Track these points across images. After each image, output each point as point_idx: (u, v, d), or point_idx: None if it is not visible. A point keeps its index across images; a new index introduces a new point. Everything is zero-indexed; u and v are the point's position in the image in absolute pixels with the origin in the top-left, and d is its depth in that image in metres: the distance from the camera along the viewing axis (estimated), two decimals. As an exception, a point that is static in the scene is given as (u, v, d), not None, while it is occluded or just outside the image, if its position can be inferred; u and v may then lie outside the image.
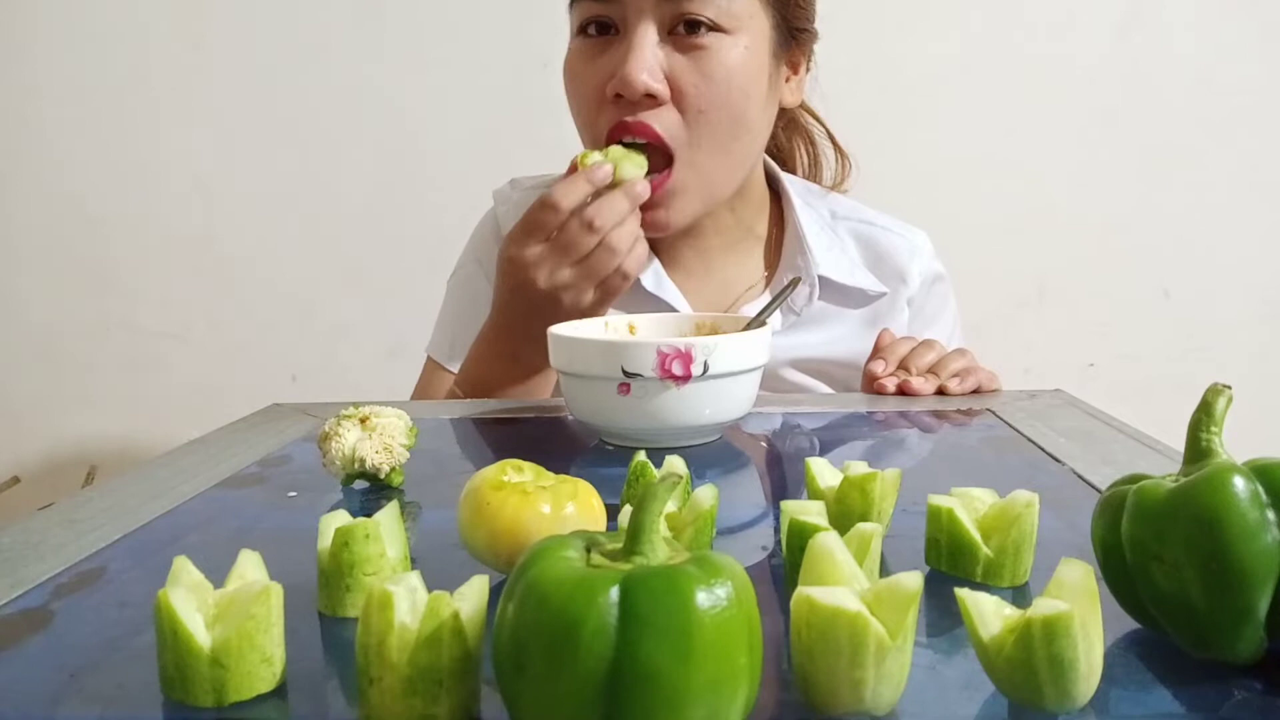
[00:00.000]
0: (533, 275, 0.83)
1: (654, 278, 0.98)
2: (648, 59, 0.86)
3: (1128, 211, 1.58)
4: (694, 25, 0.86)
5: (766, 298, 0.99)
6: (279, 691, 0.34)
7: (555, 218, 0.81)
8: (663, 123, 0.87)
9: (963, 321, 1.10)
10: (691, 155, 0.89)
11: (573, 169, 0.84)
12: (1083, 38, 1.54)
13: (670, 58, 0.87)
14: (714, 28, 0.87)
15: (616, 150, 0.85)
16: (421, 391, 1.05)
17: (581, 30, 0.91)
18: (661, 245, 1.00)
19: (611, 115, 0.88)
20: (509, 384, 0.89)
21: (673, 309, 0.97)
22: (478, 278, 1.03)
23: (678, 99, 0.87)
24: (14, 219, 1.65)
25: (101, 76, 1.61)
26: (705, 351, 0.64)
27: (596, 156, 0.84)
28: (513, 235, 0.84)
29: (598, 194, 0.82)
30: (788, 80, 0.96)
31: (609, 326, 0.77)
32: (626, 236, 0.83)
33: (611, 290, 0.84)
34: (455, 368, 0.98)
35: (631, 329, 0.78)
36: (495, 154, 1.35)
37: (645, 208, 0.87)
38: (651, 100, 0.87)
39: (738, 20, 0.88)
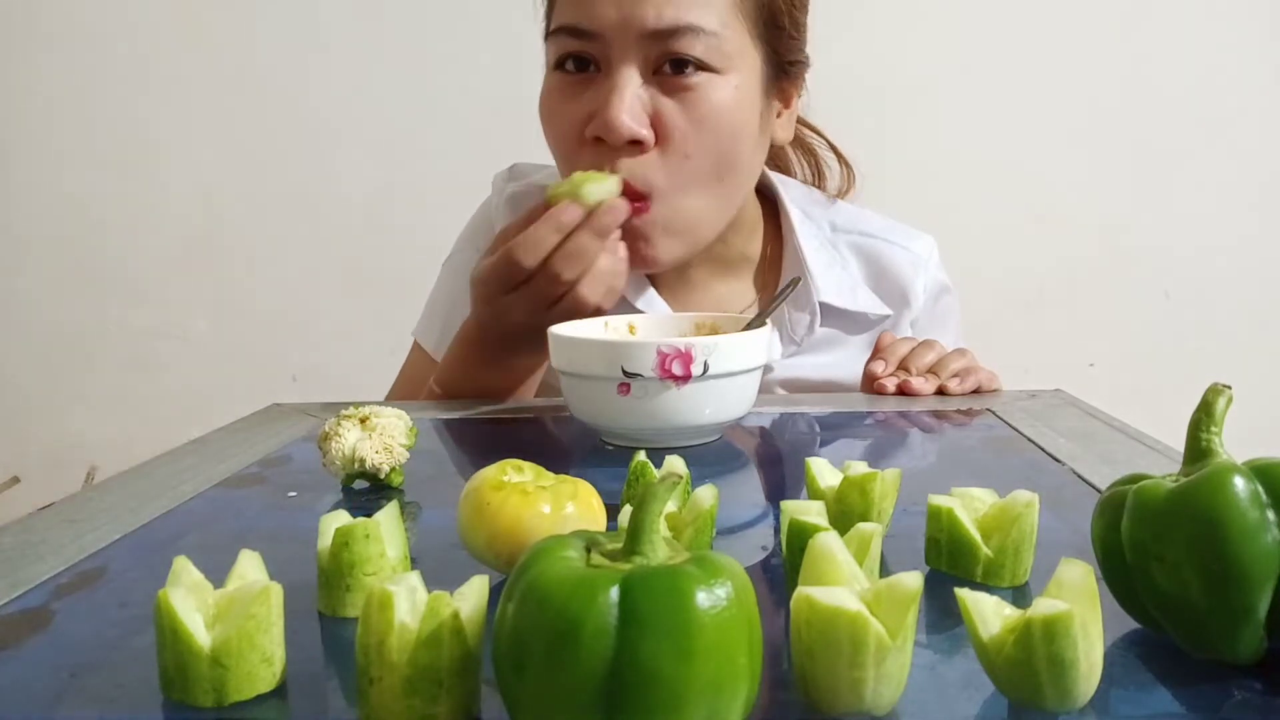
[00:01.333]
0: (511, 319, 0.80)
1: (642, 295, 0.94)
2: (631, 102, 0.80)
3: (1128, 212, 1.58)
4: (681, 64, 0.81)
5: None
6: (279, 691, 0.34)
7: (521, 272, 0.77)
8: (644, 170, 0.82)
9: (964, 322, 1.09)
10: (673, 200, 0.84)
11: (545, 207, 0.78)
12: (1083, 38, 1.54)
13: (655, 99, 0.81)
14: (702, 66, 0.81)
15: (582, 174, 0.78)
16: (405, 377, 1.04)
17: (558, 65, 0.85)
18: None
19: (591, 159, 0.82)
20: (487, 395, 0.86)
21: None
22: (474, 263, 1.02)
23: (662, 143, 0.82)
24: (15, 220, 1.65)
25: (102, 77, 1.61)
26: (705, 351, 0.64)
27: (565, 187, 0.78)
28: (485, 278, 0.79)
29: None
30: (779, 115, 0.91)
31: (609, 326, 0.77)
32: (597, 285, 0.77)
33: (588, 317, 0.79)
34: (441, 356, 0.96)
35: (631, 329, 0.77)
36: (495, 154, 1.35)
37: (630, 241, 0.82)
38: (635, 146, 0.81)
39: (728, 59, 0.82)
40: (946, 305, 1.04)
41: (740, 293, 0.99)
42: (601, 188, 0.77)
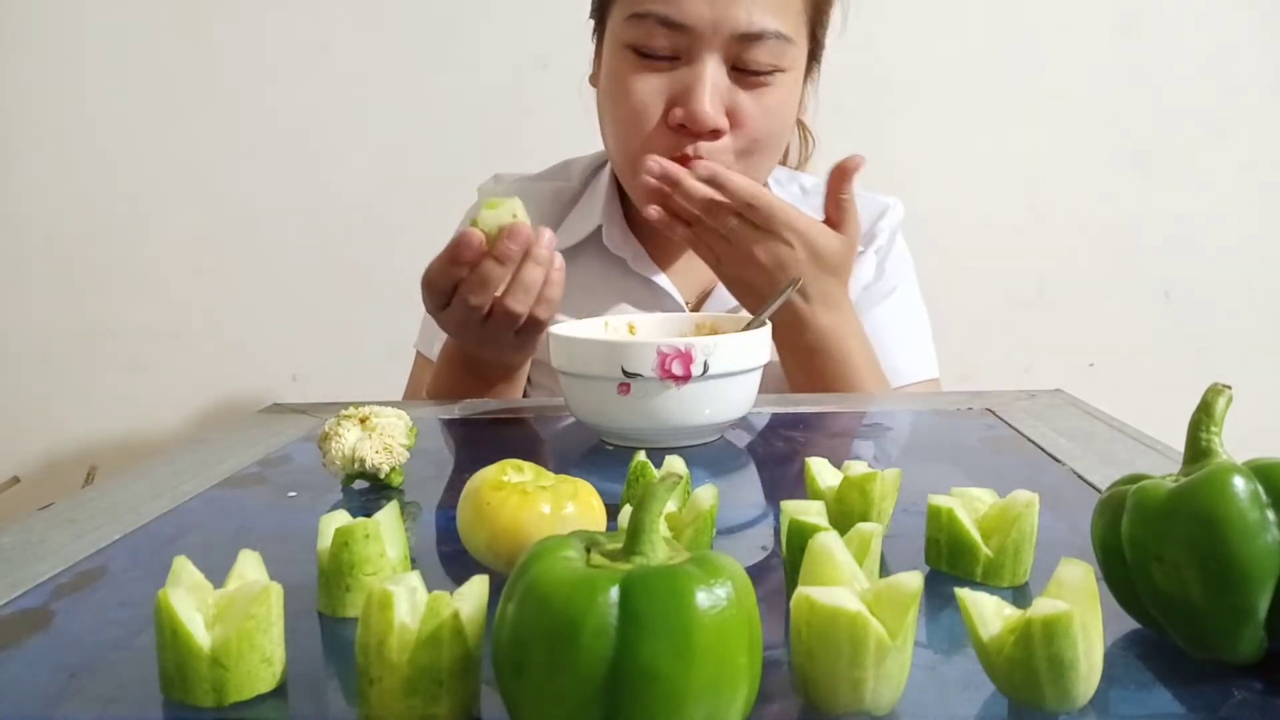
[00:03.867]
0: (452, 332, 0.83)
1: (634, 255, 0.99)
2: (712, 95, 0.86)
3: (1128, 212, 1.58)
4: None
5: None
6: (279, 691, 0.34)
7: (441, 297, 0.79)
8: (717, 157, 0.87)
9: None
10: None
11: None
12: (1083, 39, 1.54)
13: (732, 92, 0.87)
14: (775, 67, 0.88)
15: (486, 202, 0.78)
16: (412, 390, 1.05)
17: (634, 47, 0.88)
18: (649, 240, 1.00)
19: (667, 142, 0.88)
20: (475, 394, 0.88)
21: (657, 287, 0.98)
22: None
23: (735, 130, 0.88)
24: (14, 219, 1.65)
25: (102, 76, 1.61)
26: (705, 351, 0.64)
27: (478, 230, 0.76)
28: (424, 295, 0.81)
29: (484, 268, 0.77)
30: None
31: (609, 326, 0.77)
32: (523, 296, 0.77)
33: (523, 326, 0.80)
34: None
35: (631, 329, 0.78)
36: (495, 154, 1.35)
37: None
38: (713, 135, 0.87)
39: (794, 59, 0.89)
40: (900, 255, 1.05)
41: None
42: (494, 214, 0.76)
